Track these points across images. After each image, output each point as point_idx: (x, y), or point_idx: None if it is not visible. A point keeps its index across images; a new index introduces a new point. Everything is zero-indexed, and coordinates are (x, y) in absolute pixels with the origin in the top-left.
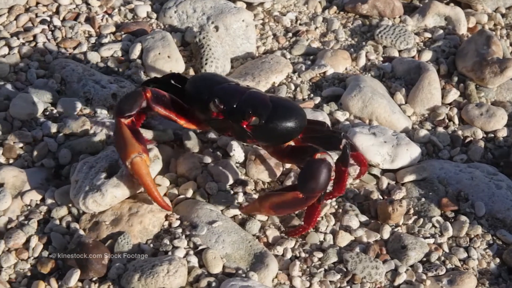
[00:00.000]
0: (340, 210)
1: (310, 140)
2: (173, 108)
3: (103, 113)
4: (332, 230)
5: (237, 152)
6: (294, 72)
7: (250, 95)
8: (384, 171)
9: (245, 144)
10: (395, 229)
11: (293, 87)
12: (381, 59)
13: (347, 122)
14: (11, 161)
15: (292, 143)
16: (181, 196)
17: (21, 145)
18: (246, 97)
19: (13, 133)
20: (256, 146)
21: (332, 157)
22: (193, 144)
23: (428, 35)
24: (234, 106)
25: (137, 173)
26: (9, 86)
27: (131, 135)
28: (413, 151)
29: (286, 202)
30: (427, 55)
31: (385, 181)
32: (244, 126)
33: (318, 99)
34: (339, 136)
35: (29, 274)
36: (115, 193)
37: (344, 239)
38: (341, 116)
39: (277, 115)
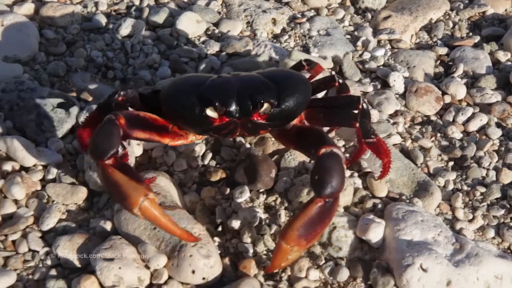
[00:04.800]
0: (503, 148)
1: (320, 114)
2: (153, 128)
3: (263, 36)
4: (495, 167)
5: (398, 83)
6: (451, 10)
7: (244, 82)
8: None
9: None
10: None
11: (451, 25)
12: None
13: (509, 63)
14: (177, 74)
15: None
16: None
17: (185, 60)
18: (242, 86)
19: (178, 49)
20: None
21: (339, 147)
22: (352, 72)
23: None
24: (236, 101)
25: (150, 218)
26: (172, 5)
27: (125, 177)
28: None
29: (312, 219)
30: None
31: None
32: (256, 118)
33: (477, 38)
34: (353, 105)
35: (197, 180)
36: None
37: (508, 176)
38: (502, 56)
39: (284, 91)
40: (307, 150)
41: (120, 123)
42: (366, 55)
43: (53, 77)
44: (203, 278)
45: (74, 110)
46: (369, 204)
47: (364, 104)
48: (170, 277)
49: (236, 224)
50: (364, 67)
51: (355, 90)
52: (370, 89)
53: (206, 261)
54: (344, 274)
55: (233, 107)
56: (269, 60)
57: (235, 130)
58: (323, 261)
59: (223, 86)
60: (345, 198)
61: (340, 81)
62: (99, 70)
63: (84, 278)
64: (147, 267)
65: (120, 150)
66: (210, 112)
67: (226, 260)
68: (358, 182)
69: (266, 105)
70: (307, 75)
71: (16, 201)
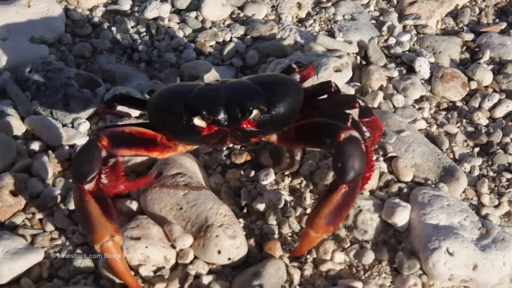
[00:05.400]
0: None
1: (313, 113)
2: (140, 143)
3: (288, 20)
4: None
5: (423, 69)
6: None
7: (232, 89)
8: None
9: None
10: None
11: (477, 11)
12: None
13: None
14: (201, 58)
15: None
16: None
17: (211, 43)
18: (230, 93)
19: (204, 32)
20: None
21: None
22: (378, 57)
23: None
24: (224, 109)
25: (109, 259)
26: None
27: (98, 209)
28: None
29: (338, 205)
30: None
31: None
32: (246, 126)
33: (504, 25)
34: (346, 113)
35: (222, 163)
36: None
37: None
38: None
39: (274, 96)
40: (322, 142)
41: (102, 144)
42: (392, 40)
43: (79, 58)
44: (229, 259)
45: (101, 91)
46: (394, 188)
47: (361, 102)
48: (195, 257)
49: (261, 206)
50: (389, 52)
51: (380, 75)
52: (395, 74)
53: (232, 242)
54: (369, 257)
55: (221, 115)
56: (294, 44)
57: (224, 139)
58: (348, 244)
59: (211, 94)
60: (371, 181)
61: (335, 86)
62: (125, 52)
63: None
64: (173, 246)
65: (111, 161)
66: (197, 121)
67: (251, 241)
68: (384, 166)
69: (255, 112)
70: (297, 77)
71: (43, 180)
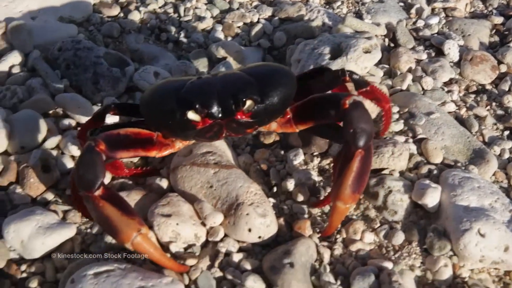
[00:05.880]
0: None
1: (309, 91)
2: (136, 144)
3: (315, 1)
4: None
5: (452, 51)
6: None
7: (224, 81)
8: None
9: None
10: None
11: None
12: None
13: None
14: (229, 38)
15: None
16: (397, 88)
17: (239, 24)
18: (222, 85)
19: (231, 13)
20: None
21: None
22: (406, 39)
23: None
24: (217, 102)
25: (143, 252)
26: None
27: (116, 210)
28: None
29: (358, 171)
30: None
31: None
32: (240, 117)
33: None
34: (340, 95)
35: (251, 143)
36: None
37: None
38: None
39: (267, 86)
40: (326, 115)
41: (100, 149)
42: (420, 23)
43: (107, 38)
44: (259, 237)
45: (130, 69)
46: (424, 170)
47: (353, 74)
48: (226, 235)
49: (290, 185)
50: (417, 34)
51: (409, 57)
52: (424, 56)
53: (263, 220)
54: (399, 238)
55: (214, 108)
56: (322, 25)
57: (220, 132)
58: (378, 225)
59: (203, 87)
60: (401, 163)
61: (353, 74)
62: (152, 32)
63: None
64: (204, 224)
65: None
66: (191, 115)
67: (281, 220)
68: (413, 148)
69: (249, 102)
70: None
71: (73, 157)
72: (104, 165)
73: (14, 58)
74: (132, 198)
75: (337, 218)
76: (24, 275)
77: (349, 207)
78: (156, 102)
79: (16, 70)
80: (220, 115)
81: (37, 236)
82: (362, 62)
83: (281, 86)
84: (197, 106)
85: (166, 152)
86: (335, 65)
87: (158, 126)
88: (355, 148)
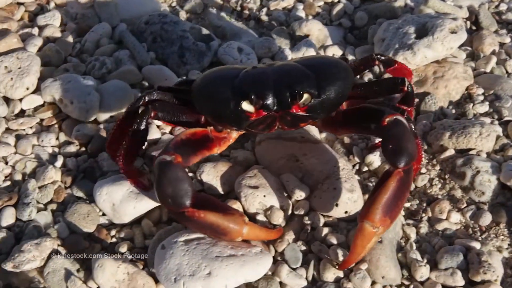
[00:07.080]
0: None
1: (364, 92)
2: (199, 146)
3: None
4: None
5: None
6: None
7: (280, 72)
8: None
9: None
10: None
11: None
12: None
13: None
14: (310, 17)
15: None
16: (480, 70)
17: (320, 3)
18: (279, 77)
19: None
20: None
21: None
22: (489, 23)
23: None
24: (272, 93)
25: (253, 239)
26: None
27: (214, 213)
28: None
29: (394, 193)
30: None
31: None
32: (295, 110)
33: None
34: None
35: None
36: (426, 53)
37: None
38: None
39: (325, 80)
40: (367, 128)
41: (178, 161)
42: (503, 6)
43: (190, 14)
44: (346, 212)
45: (214, 44)
46: (510, 152)
47: (409, 86)
48: (311, 209)
49: (376, 163)
50: (500, 18)
51: (493, 40)
52: (507, 40)
53: (350, 195)
54: (487, 219)
55: (270, 100)
56: (404, 6)
57: (273, 124)
58: (465, 205)
59: (259, 78)
60: (488, 144)
61: (380, 57)
62: (234, 9)
63: (230, 202)
64: (290, 197)
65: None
66: (246, 106)
67: (366, 197)
68: (499, 130)
69: (305, 96)
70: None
71: (158, 127)
72: (189, 177)
73: (103, 31)
74: (220, 169)
75: (362, 244)
76: (114, 240)
77: (376, 233)
78: (209, 90)
79: (104, 42)
80: (275, 107)
81: (129, 200)
82: (448, 42)
83: (338, 81)
84: (252, 97)
85: (225, 146)
86: (421, 44)
87: (210, 115)
88: (394, 167)
